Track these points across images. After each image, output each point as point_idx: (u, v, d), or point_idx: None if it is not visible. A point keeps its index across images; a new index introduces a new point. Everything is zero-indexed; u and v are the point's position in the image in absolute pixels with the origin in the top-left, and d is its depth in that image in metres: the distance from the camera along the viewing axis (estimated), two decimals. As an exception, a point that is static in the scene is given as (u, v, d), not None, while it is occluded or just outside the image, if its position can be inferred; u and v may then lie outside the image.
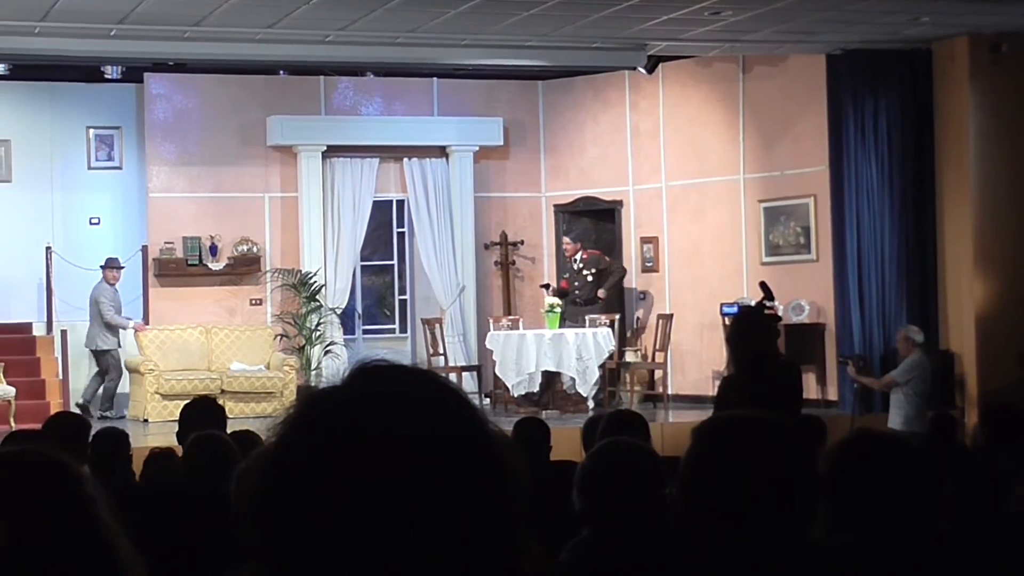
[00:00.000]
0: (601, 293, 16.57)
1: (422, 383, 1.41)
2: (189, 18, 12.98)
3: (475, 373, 16.69)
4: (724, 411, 6.75)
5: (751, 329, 8.03)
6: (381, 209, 17.85)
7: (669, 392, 16.54)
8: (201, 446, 5.68)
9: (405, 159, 17.53)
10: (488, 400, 16.62)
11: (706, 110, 17.00)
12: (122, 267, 16.28)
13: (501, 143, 17.89)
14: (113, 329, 16.04)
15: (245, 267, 17.03)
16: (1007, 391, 13.31)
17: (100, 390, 16.07)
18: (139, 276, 16.74)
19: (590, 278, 16.63)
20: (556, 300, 16.16)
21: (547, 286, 17.18)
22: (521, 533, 1.39)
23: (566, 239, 17.09)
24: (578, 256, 16.76)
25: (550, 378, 15.69)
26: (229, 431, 6.67)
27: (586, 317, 16.41)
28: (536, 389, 15.64)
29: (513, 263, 18.06)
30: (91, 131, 17.10)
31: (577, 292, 16.55)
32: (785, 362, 8.41)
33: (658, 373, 16.79)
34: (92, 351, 16.07)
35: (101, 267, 16.18)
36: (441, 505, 1.34)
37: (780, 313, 14.64)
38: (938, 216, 14.94)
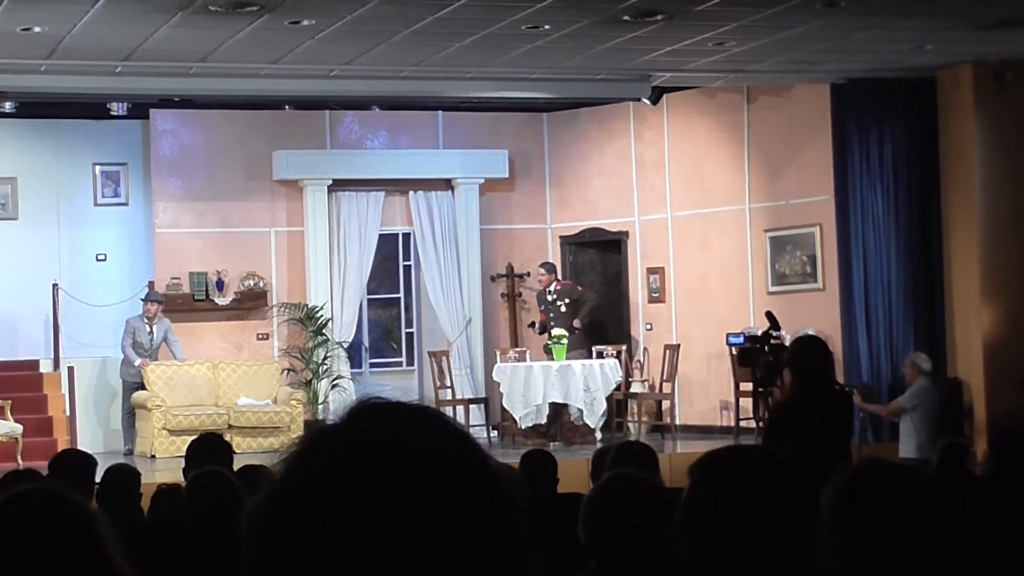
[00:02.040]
0: (576, 323, 16.49)
1: (422, 420, 1.41)
2: (194, 54, 13.03)
3: (482, 405, 16.68)
4: (782, 435, 6.69)
5: (813, 354, 8.03)
6: (387, 242, 17.88)
7: (677, 423, 16.51)
8: (202, 483, 5.66)
9: (411, 192, 17.56)
10: (495, 432, 16.60)
11: (711, 140, 17.02)
12: (155, 300, 16.24)
13: (506, 175, 17.91)
14: (127, 359, 16.14)
15: (251, 302, 17.05)
16: (1010, 417, 13.27)
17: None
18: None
19: (563, 308, 16.57)
20: (563, 332, 16.12)
21: (532, 324, 17.18)
22: (528, 565, 1.39)
23: (540, 271, 17.03)
24: (551, 287, 16.72)
25: (557, 410, 15.68)
26: (237, 466, 6.66)
27: (592, 348, 16.43)
28: (543, 421, 15.62)
29: (519, 295, 18.06)
30: (97, 168, 17.14)
31: (553, 324, 16.49)
32: (841, 391, 8.43)
33: (665, 404, 16.77)
34: None
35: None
36: (445, 540, 1.34)
37: (786, 343, 14.61)
38: (944, 244, 14.94)
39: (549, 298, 16.67)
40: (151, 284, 16.78)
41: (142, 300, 16.34)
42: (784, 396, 9.02)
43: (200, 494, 5.63)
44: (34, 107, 16.04)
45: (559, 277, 17.05)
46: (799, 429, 7.18)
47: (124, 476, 6.97)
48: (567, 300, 16.58)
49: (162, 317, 16.27)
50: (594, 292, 17.14)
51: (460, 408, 16.13)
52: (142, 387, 16.06)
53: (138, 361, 16.06)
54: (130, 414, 16.25)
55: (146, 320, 16.18)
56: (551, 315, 16.57)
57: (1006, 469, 6.76)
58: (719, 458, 2.74)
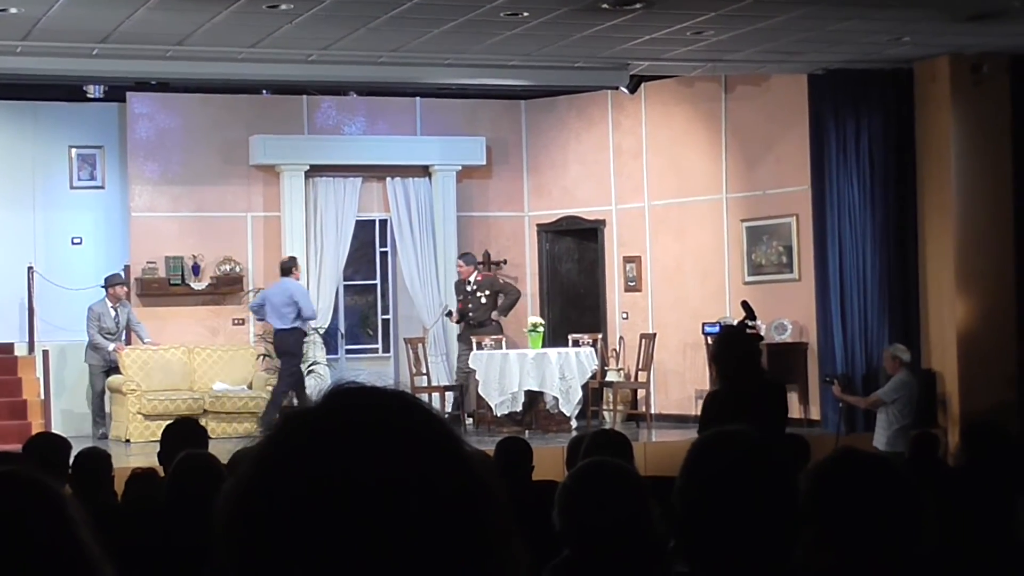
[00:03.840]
0: (494, 315, 16.50)
1: (397, 404, 1.41)
2: (172, 37, 12.98)
3: (458, 392, 16.66)
4: (714, 427, 6.76)
5: (735, 346, 8.06)
6: (364, 228, 17.84)
7: (652, 412, 16.53)
8: (188, 466, 5.65)
9: (388, 178, 17.54)
10: (471, 420, 16.60)
11: (688, 130, 17.04)
12: (118, 284, 16.14)
13: (484, 162, 17.90)
14: (99, 347, 16.01)
15: (228, 287, 17.00)
16: (992, 411, 13.33)
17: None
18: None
19: (483, 300, 16.54)
20: (539, 320, 16.12)
21: (449, 313, 17.07)
22: (505, 550, 1.39)
23: (459, 262, 16.92)
24: (472, 278, 16.67)
25: (533, 398, 15.69)
26: (212, 451, 6.66)
27: (568, 336, 16.43)
28: (519, 409, 15.63)
29: (496, 282, 18.04)
30: (73, 150, 17.06)
31: (472, 314, 16.50)
32: (771, 380, 8.44)
33: (641, 392, 16.79)
34: None
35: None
36: (420, 525, 1.34)
37: (762, 332, 14.67)
38: (920, 236, 14.98)
39: (468, 288, 16.63)
40: (127, 268, 16.72)
41: (102, 287, 16.18)
42: (714, 387, 9.01)
43: (184, 477, 5.63)
44: (10, 89, 15.95)
45: (479, 267, 16.95)
46: (733, 418, 7.18)
47: (94, 460, 6.94)
48: (487, 292, 16.54)
49: (126, 301, 16.20)
50: (516, 288, 17.08)
51: (436, 395, 16.13)
52: (110, 372, 16.00)
53: (112, 346, 15.99)
54: (99, 398, 16.18)
55: (111, 305, 16.09)
56: (470, 305, 16.54)
57: (978, 460, 6.80)
58: (715, 440, 2.75)
